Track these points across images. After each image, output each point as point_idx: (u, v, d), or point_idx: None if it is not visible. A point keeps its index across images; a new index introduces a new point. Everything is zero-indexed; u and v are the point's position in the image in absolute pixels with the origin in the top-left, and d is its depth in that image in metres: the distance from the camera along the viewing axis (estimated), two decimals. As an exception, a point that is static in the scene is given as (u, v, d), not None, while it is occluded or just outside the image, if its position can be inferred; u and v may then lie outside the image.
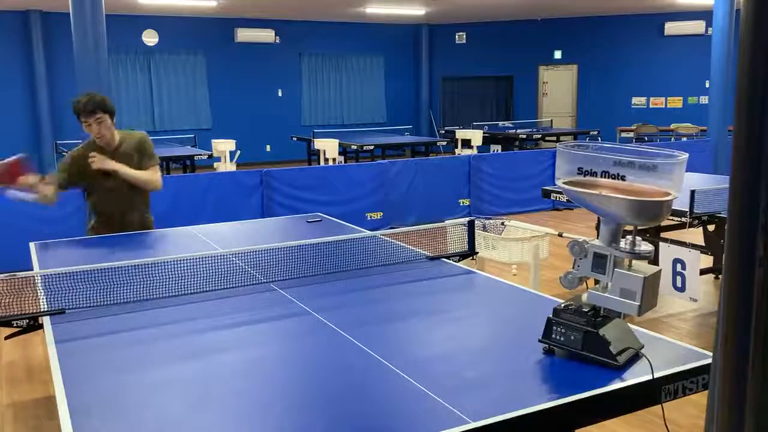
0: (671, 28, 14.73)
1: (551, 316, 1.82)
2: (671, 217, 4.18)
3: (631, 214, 1.67)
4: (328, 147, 10.35)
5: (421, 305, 2.30)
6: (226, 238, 3.46)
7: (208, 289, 2.54)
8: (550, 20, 15.74)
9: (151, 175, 3.70)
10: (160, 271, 2.74)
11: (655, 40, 15.03)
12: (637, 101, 15.43)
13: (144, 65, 13.96)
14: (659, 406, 1.69)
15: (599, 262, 1.77)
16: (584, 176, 1.74)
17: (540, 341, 1.85)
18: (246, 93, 14.89)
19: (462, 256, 2.98)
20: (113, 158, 3.61)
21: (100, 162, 3.53)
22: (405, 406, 1.56)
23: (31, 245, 3.36)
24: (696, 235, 5.07)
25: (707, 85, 12.48)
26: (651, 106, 15.33)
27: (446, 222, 3.37)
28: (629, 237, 1.74)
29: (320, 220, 3.88)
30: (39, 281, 2.61)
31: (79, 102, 3.53)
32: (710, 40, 10.16)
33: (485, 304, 2.30)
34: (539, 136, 12.90)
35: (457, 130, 12.28)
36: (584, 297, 1.81)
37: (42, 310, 2.34)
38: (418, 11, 14.10)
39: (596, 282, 1.83)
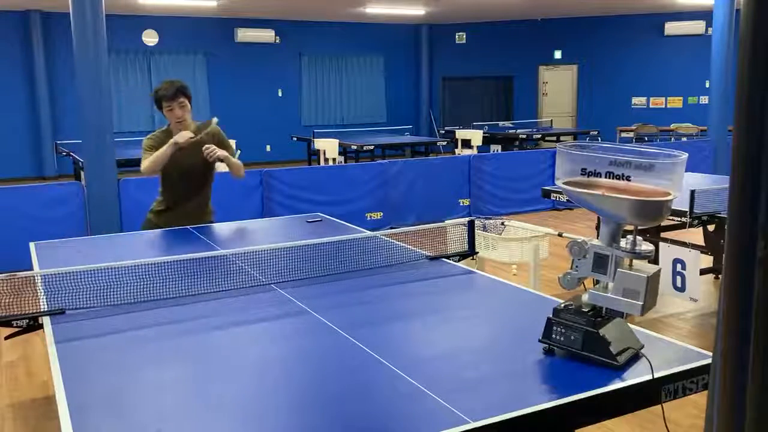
0: (671, 28, 14.73)
1: (551, 316, 1.82)
2: (671, 217, 4.18)
3: (631, 214, 1.67)
4: (328, 147, 10.35)
5: (421, 305, 2.30)
6: (226, 238, 3.46)
7: (208, 289, 2.54)
8: (550, 20, 15.74)
9: (241, 164, 3.90)
10: (160, 271, 2.74)
11: (655, 40, 15.03)
12: (637, 101, 15.43)
13: (144, 65, 13.96)
14: (659, 406, 1.69)
15: (600, 262, 1.77)
16: (584, 176, 1.74)
17: (540, 341, 1.85)
18: (246, 93, 14.89)
19: (462, 256, 2.98)
20: (192, 147, 3.66)
21: (215, 154, 3.63)
22: (405, 406, 1.56)
23: (31, 245, 3.36)
24: (696, 235, 5.07)
25: (707, 85, 12.48)
26: (651, 106, 15.33)
27: (446, 222, 3.37)
28: (629, 237, 1.74)
29: (320, 220, 3.88)
30: (39, 281, 2.61)
31: (161, 88, 3.66)
32: (710, 40, 10.16)
33: (485, 304, 2.30)
34: (539, 136, 12.90)
35: (457, 130, 12.28)
36: (585, 297, 1.81)
37: (42, 310, 2.34)
38: (418, 11, 14.10)
39: (595, 282, 1.83)
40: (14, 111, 13.02)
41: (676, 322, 4.65)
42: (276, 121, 15.20)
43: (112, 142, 6.29)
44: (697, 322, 4.68)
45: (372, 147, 10.84)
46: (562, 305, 1.82)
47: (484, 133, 12.18)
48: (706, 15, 13.95)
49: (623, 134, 14.46)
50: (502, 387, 1.64)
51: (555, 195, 5.09)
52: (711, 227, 4.91)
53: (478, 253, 3.49)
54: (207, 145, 3.64)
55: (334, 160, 10.26)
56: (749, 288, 0.85)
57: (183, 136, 3.59)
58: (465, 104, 16.86)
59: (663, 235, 5.05)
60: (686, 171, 1.78)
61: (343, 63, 15.91)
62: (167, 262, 2.82)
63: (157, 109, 3.72)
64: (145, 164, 3.67)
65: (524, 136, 12.46)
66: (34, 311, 2.33)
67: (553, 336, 1.81)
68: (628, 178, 1.68)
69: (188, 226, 3.74)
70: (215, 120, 3.81)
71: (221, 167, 3.91)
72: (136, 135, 13.53)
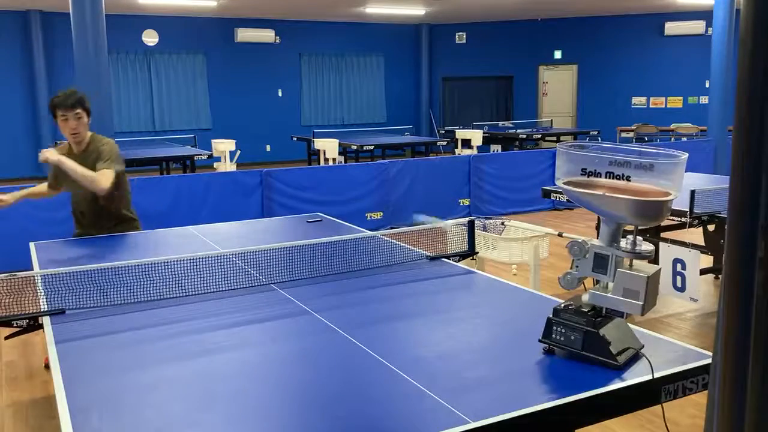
0: (671, 28, 14.74)
1: (551, 316, 1.82)
2: (671, 217, 4.18)
3: (631, 214, 1.67)
4: (328, 147, 10.35)
5: (421, 305, 2.30)
6: (226, 238, 3.46)
7: (208, 289, 2.54)
8: (550, 20, 15.74)
9: (95, 175, 3.46)
10: (160, 271, 2.74)
11: (655, 40, 15.03)
12: (637, 101, 15.43)
13: (144, 65, 13.96)
14: (659, 406, 1.69)
15: (600, 262, 1.77)
16: (585, 176, 1.74)
17: (540, 341, 1.85)
18: (246, 93, 14.89)
19: (462, 256, 2.98)
20: (79, 159, 3.52)
21: (43, 156, 3.42)
22: (405, 406, 1.56)
23: (31, 245, 3.36)
24: (696, 235, 5.07)
25: (707, 85, 12.49)
26: (651, 106, 15.33)
27: (446, 222, 3.37)
28: (630, 237, 1.74)
29: (320, 220, 3.88)
30: (39, 281, 2.61)
31: (59, 96, 3.50)
32: (710, 40, 10.17)
33: (485, 304, 2.30)
34: (539, 136, 12.90)
35: (457, 130, 12.28)
36: (585, 297, 1.81)
37: (42, 310, 2.34)
38: (418, 11, 14.10)
39: (595, 282, 1.83)
40: (14, 111, 13.02)
41: (676, 322, 4.65)
42: (276, 121, 15.20)
43: (112, 142, 6.29)
44: (697, 322, 4.68)
45: (372, 147, 10.85)
46: (562, 305, 1.82)
47: (484, 133, 12.18)
48: (706, 15, 13.96)
49: (623, 134, 14.47)
50: (502, 387, 1.64)
51: (555, 195, 5.09)
52: (711, 227, 4.91)
53: (478, 253, 3.49)
54: (43, 150, 3.48)
55: (334, 160, 10.26)
56: (749, 288, 0.85)
57: (42, 156, 3.42)
58: (465, 104, 16.86)
59: (663, 235, 5.04)
60: (686, 171, 1.78)
61: (343, 63, 15.91)
62: (167, 262, 2.82)
63: (52, 117, 3.54)
64: None
65: (524, 136, 12.46)
66: (34, 311, 2.33)
67: (553, 336, 1.81)
68: (627, 178, 1.68)
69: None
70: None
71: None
72: (136, 135, 13.55)
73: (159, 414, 1.56)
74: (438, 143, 12.03)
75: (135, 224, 3.86)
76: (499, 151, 11.91)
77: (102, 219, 3.71)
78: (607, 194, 1.68)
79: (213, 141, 10.87)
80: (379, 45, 16.22)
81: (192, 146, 11.86)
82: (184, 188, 6.89)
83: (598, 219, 1.87)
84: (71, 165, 3.43)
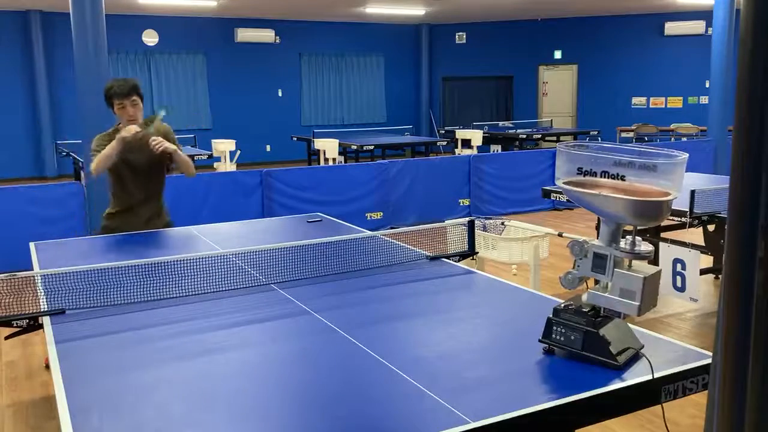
0: (671, 28, 14.74)
1: (551, 316, 1.82)
2: (671, 217, 4.18)
3: (631, 214, 1.67)
4: (328, 147, 10.35)
5: (421, 305, 2.30)
6: (226, 238, 3.46)
7: (208, 289, 2.54)
8: (550, 20, 15.74)
9: (190, 161, 3.85)
10: (160, 271, 2.74)
11: (655, 40, 15.03)
12: (637, 101, 15.44)
13: (144, 65, 13.96)
14: (659, 406, 1.69)
15: (599, 262, 1.77)
16: (584, 176, 1.74)
17: (540, 341, 1.85)
18: (246, 93, 14.90)
19: (462, 256, 2.98)
20: (140, 144, 3.59)
21: (160, 143, 3.52)
22: (405, 406, 1.56)
23: (31, 245, 3.36)
24: (696, 235, 5.07)
25: (707, 85, 12.49)
26: (651, 106, 15.34)
27: (446, 222, 3.37)
28: (629, 237, 1.74)
29: (320, 220, 3.88)
30: (39, 281, 2.61)
31: (114, 86, 3.56)
32: (710, 40, 10.17)
33: (485, 304, 2.30)
34: (539, 136, 12.90)
35: (457, 130, 12.28)
36: (584, 297, 1.81)
37: (42, 310, 2.34)
38: (418, 11, 14.10)
39: (596, 282, 1.83)
40: (14, 111, 13.02)
41: (676, 322, 4.65)
42: (276, 121, 15.21)
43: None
44: (697, 322, 4.68)
45: (372, 147, 10.85)
46: (562, 305, 1.82)
47: (484, 133, 12.19)
48: (706, 15, 13.96)
49: (623, 134, 14.47)
50: (502, 387, 1.64)
51: (555, 195, 5.09)
52: (711, 227, 4.91)
53: (478, 253, 3.49)
54: (154, 137, 3.52)
55: (334, 160, 10.26)
56: (749, 288, 0.85)
57: (129, 130, 3.49)
58: (465, 104, 16.87)
59: (663, 235, 5.05)
60: (686, 171, 1.78)
61: (343, 63, 15.91)
62: (167, 262, 2.82)
63: (108, 106, 3.62)
64: (92, 164, 3.55)
65: (524, 136, 12.47)
66: (34, 311, 2.33)
67: (553, 336, 1.81)
68: (622, 178, 1.68)
69: (162, 229, 3.74)
70: (162, 113, 3.68)
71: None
72: (136, 135, 13.53)
73: (159, 414, 1.56)
74: (438, 143, 12.03)
75: (168, 214, 3.94)
76: (499, 151, 11.91)
77: (152, 207, 3.81)
78: (606, 194, 1.68)
79: (213, 141, 10.88)
80: (379, 45, 16.22)
81: (192, 146, 11.85)
82: (184, 188, 6.89)
83: (598, 219, 1.87)
84: (181, 154, 3.71)
